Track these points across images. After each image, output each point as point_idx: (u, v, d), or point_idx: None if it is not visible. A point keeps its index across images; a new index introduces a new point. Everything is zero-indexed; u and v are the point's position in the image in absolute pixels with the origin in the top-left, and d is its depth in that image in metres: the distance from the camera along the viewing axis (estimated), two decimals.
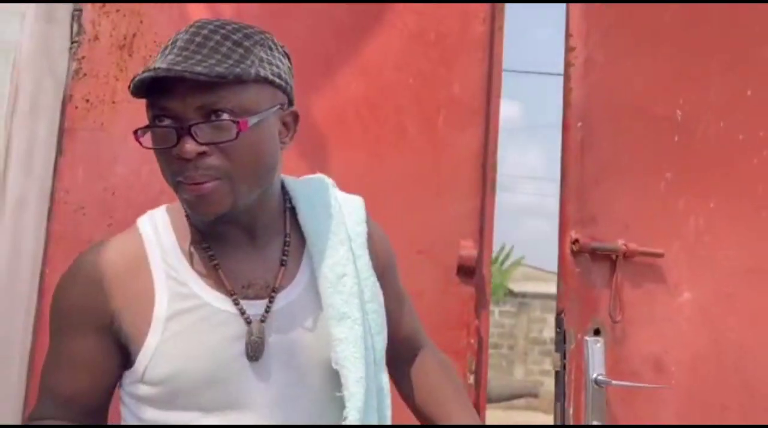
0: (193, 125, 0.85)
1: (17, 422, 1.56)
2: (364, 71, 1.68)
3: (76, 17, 1.82)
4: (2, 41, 1.60)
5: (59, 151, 1.76)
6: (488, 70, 1.74)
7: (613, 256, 1.30)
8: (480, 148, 1.71)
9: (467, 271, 1.65)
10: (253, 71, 0.88)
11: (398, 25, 1.76)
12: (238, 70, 0.86)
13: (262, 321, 0.93)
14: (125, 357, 0.95)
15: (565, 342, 1.30)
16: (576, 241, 1.32)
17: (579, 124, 1.42)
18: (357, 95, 1.68)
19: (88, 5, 1.81)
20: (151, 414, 0.93)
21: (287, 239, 0.99)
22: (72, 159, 1.76)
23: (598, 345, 1.26)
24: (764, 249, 1.49)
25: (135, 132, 0.89)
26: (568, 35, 1.50)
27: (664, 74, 1.47)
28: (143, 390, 0.93)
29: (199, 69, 0.83)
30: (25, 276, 1.64)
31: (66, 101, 1.78)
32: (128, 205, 1.74)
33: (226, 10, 1.81)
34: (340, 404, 0.95)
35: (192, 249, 0.95)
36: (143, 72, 0.84)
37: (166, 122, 0.87)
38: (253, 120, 0.87)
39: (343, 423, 0.94)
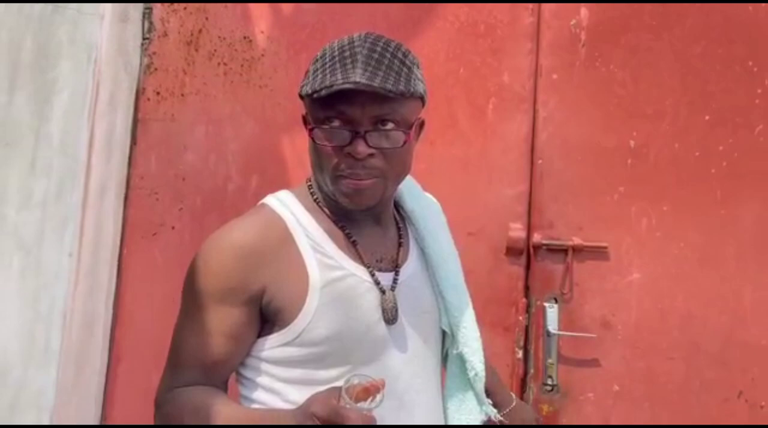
0: (368, 131, 0.99)
1: (102, 382, 1.71)
2: None
3: (146, 15, 1.94)
4: (85, 42, 1.73)
5: (134, 140, 1.89)
6: (536, 59, 1.81)
7: (566, 249, 1.72)
8: (528, 135, 1.78)
9: (516, 252, 1.74)
10: (419, 89, 1.02)
11: (449, 18, 1.84)
12: (411, 88, 1.00)
13: (392, 290, 1.08)
14: (264, 327, 1.04)
15: (529, 307, 1.73)
16: (532, 240, 1.76)
17: (540, 161, 1.78)
18: None
19: (158, 3, 1.93)
20: (299, 374, 1.03)
21: (399, 224, 1.16)
22: (146, 148, 1.89)
23: (552, 309, 1.70)
24: (717, 243, 1.71)
25: (311, 129, 1.01)
26: (534, 101, 1.80)
27: (617, 115, 1.77)
28: (292, 352, 1.02)
29: (389, 86, 0.97)
30: (106, 256, 1.78)
31: (139, 94, 1.91)
32: (197, 191, 1.87)
33: (287, 7, 1.92)
34: (444, 360, 1.17)
35: (331, 228, 1.07)
36: (342, 81, 0.96)
37: (337, 124, 0.99)
38: (412, 130, 1.03)
39: (470, 374, 1.14)
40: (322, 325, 1.01)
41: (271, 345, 1.04)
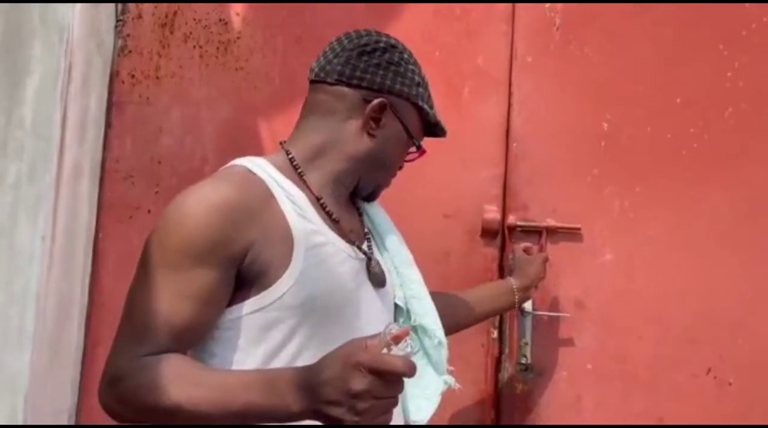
0: None
1: (78, 366, 1.71)
2: None
3: None
4: (57, 23, 1.71)
5: (108, 123, 1.88)
6: (511, 42, 1.82)
7: (540, 231, 1.75)
8: (503, 118, 1.80)
9: (491, 234, 1.75)
10: None
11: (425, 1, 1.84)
12: None
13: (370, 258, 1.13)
14: (237, 293, 0.99)
15: None
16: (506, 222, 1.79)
17: (514, 144, 1.80)
18: None
19: None
20: (271, 344, 0.99)
21: (355, 203, 1.22)
22: (120, 130, 1.88)
23: None
24: (688, 223, 1.74)
25: (418, 147, 1.22)
26: (509, 84, 1.82)
27: (592, 99, 1.78)
28: (268, 316, 0.98)
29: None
30: (81, 239, 1.77)
31: (113, 77, 1.89)
32: (173, 173, 1.86)
33: None
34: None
35: (312, 199, 1.08)
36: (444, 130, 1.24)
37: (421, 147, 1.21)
38: None
39: (432, 343, 1.19)
40: (310, 285, 1.00)
41: (248, 311, 0.99)
